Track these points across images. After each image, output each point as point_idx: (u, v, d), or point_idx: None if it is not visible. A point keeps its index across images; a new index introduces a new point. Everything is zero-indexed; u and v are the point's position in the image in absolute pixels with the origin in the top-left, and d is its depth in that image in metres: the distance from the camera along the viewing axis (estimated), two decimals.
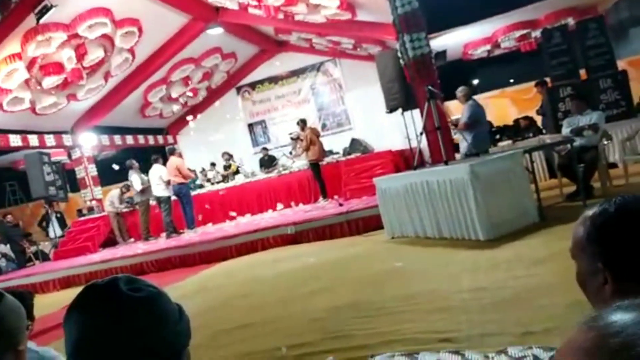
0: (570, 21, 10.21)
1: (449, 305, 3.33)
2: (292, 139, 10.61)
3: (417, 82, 6.72)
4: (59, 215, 12.23)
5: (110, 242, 10.90)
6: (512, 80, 15.44)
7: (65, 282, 8.51)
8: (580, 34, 8.87)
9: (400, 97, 7.49)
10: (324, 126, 13.05)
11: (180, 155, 10.27)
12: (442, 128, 6.23)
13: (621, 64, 10.05)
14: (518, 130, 10.05)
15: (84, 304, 0.84)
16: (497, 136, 9.71)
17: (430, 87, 6.03)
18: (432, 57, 7.10)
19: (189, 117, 13.06)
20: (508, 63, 14.85)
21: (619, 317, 0.41)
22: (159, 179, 9.49)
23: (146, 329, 0.82)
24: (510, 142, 8.90)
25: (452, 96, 7.27)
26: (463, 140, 6.69)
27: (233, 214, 10.41)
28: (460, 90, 6.71)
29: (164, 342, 0.83)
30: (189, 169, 10.32)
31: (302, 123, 9.60)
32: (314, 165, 9.33)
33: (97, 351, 0.80)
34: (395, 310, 3.48)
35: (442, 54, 10.53)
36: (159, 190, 9.54)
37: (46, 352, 1.71)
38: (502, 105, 13.47)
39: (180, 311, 0.91)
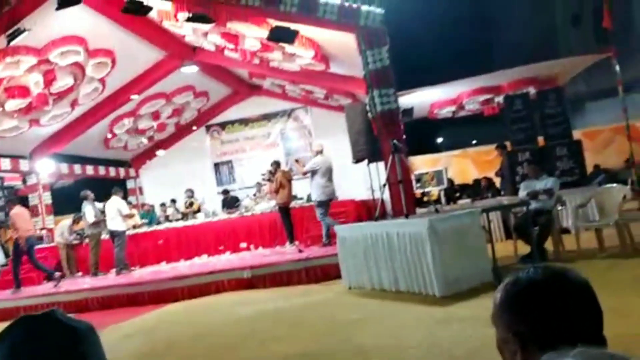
0: (532, 90, 10.78)
1: None
2: (263, 179, 10.57)
3: (383, 136, 6.87)
4: (2, 242, 11.64)
5: None
6: (474, 142, 16.03)
7: (2, 314, 7.98)
8: (540, 103, 9.35)
9: (367, 149, 7.61)
10: (289, 171, 13.08)
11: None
12: (405, 181, 6.35)
13: (576, 134, 10.60)
14: (478, 189, 10.34)
15: (16, 331, 0.80)
16: (457, 194, 9.95)
17: (395, 141, 6.17)
18: (399, 113, 7.31)
19: (159, 152, 12.88)
20: (471, 125, 15.46)
21: None
22: (116, 212, 9.23)
23: (86, 355, 0.80)
24: (469, 200, 9.12)
25: (417, 152, 7.49)
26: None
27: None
28: (315, 145, 8.71)
29: None
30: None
31: (276, 165, 9.54)
32: (282, 209, 9.23)
33: None
34: None
35: (409, 111, 10.86)
36: (115, 223, 9.26)
37: None
38: (464, 165, 13.89)
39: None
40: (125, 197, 13.96)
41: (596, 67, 11.71)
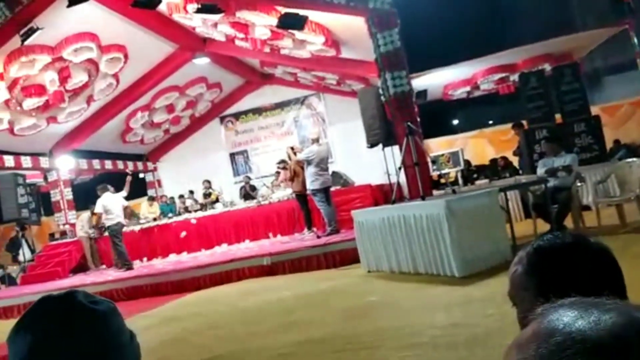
0: (547, 67, 10.57)
1: (420, 341, 3.30)
2: (278, 167, 10.57)
3: (397, 119, 6.84)
4: (26, 238, 11.92)
5: (81, 267, 10.62)
6: (490, 122, 15.83)
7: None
8: (556, 80, 9.18)
9: (381, 133, 7.59)
10: None
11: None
12: (420, 164, 6.32)
13: (594, 110, 10.39)
14: (495, 169, 10.23)
15: (37, 313, 0.81)
16: (475, 175, 9.87)
17: (409, 124, 6.13)
18: (412, 95, 7.26)
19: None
20: (487, 104, 15.28)
21: (561, 314, 0.43)
22: (121, 208, 9.29)
23: (101, 341, 0.80)
24: (487, 181, 9.04)
25: (432, 134, 7.43)
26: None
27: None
28: (311, 133, 8.99)
29: (118, 350, 0.81)
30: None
31: (292, 150, 9.42)
32: (299, 196, 9.23)
33: None
34: (367, 346, 3.43)
35: (423, 93, 10.76)
36: (120, 218, 9.30)
37: None
38: (481, 145, 13.74)
39: (132, 335, 0.89)
40: (144, 191, 14.21)
41: (613, 41, 11.42)
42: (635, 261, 3.97)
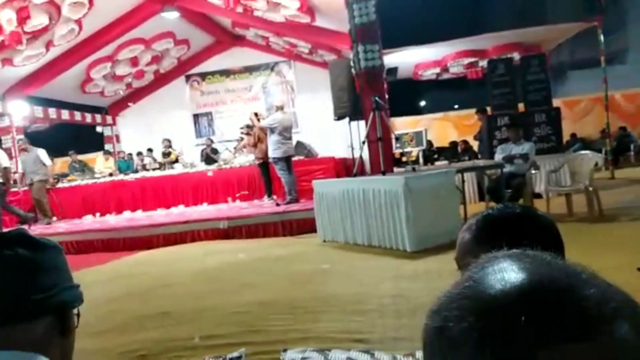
0: (516, 55, 10.77)
1: (367, 308, 3.39)
2: (242, 132, 10.40)
3: (365, 93, 6.83)
4: None
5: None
6: (456, 106, 16.06)
7: None
8: (523, 69, 9.37)
9: (349, 107, 7.59)
10: None
11: None
12: (384, 140, 6.37)
13: (556, 102, 10.68)
14: (455, 152, 10.46)
15: None
16: (436, 155, 10.05)
17: (376, 98, 6.15)
18: (383, 70, 7.25)
19: (130, 104, 12.60)
20: (455, 89, 15.47)
21: (474, 273, 0.42)
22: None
23: (48, 268, 0.84)
24: (446, 162, 9.24)
25: (398, 113, 7.47)
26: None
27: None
28: (276, 101, 8.97)
29: (56, 287, 0.84)
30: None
31: (256, 116, 9.22)
32: (261, 163, 9.16)
33: None
34: (314, 310, 3.49)
35: (394, 70, 10.78)
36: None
37: None
38: (444, 128, 13.97)
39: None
40: (102, 145, 13.81)
41: (581, 36, 11.72)
42: (579, 248, 4.16)
